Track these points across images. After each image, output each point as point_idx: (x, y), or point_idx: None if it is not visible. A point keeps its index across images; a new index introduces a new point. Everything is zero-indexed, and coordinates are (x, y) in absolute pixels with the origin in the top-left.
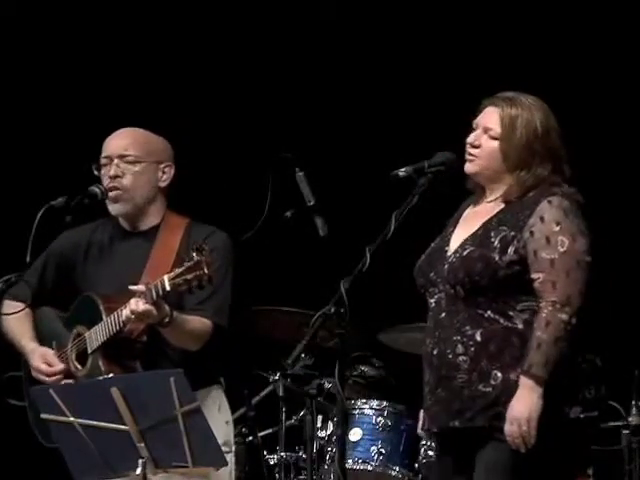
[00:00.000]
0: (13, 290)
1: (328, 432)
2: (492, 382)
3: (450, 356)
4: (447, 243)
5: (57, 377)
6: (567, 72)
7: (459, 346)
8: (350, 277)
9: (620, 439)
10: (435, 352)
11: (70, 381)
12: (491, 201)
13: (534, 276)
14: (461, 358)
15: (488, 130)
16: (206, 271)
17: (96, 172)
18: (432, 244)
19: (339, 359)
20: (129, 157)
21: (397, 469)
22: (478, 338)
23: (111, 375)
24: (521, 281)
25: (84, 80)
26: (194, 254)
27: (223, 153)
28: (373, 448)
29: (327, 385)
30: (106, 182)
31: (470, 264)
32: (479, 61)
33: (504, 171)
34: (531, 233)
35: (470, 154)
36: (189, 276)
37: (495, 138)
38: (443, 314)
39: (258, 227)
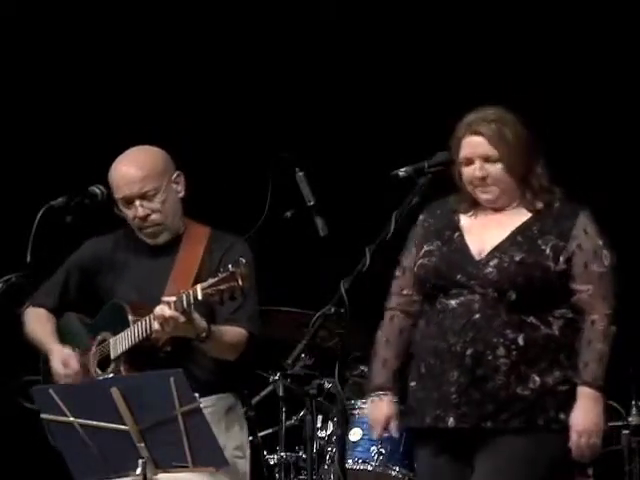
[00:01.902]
0: (36, 298)
1: (328, 432)
2: (530, 386)
3: (490, 357)
4: (465, 248)
5: (72, 379)
6: (563, 73)
7: (501, 348)
8: (350, 277)
9: (620, 439)
10: (469, 352)
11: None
12: (505, 209)
13: (582, 287)
14: (502, 360)
15: (487, 158)
16: (240, 283)
17: (116, 210)
18: (432, 248)
19: (339, 359)
20: (149, 193)
21: (397, 469)
22: (521, 342)
23: (111, 375)
24: (563, 290)
25: (84, 80)
26: (229, 265)
27: (223, 153)
28: (373, 448)
29: (327, 385)
30: (136, 223)
31: (529, 271)
32: (479, 61)
33: (518, 184)
34: (579, 245)
35: (483, 186)
36: (222, 287)
37: (497, 161)
38: (477, 315)
39: (258, 227)
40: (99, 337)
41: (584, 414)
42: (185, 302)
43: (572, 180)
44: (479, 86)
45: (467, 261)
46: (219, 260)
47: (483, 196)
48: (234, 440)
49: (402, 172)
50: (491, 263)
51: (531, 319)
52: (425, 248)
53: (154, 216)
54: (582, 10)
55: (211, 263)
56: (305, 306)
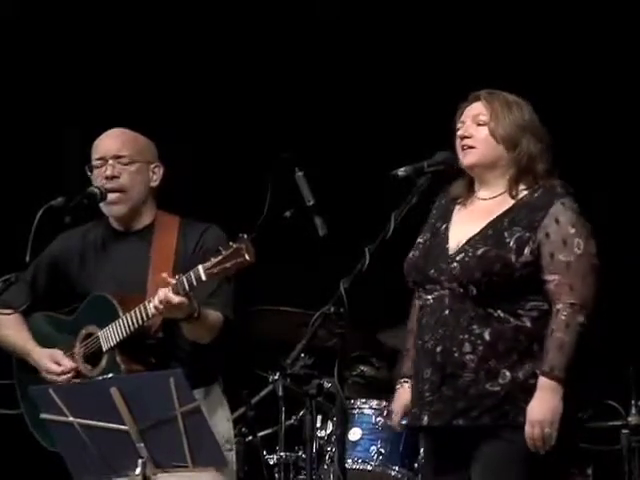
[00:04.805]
0: (3, 297)
1: (328, 432)
2: (500, 381)
3: (456, 354)
4: (445, 240)
5: (68, 376)
6: (562, 74)
7: (466, 345)
8: (350, 277)
9: (619, 439)
10: (439, 349)
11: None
12: (492, 197)
13: (549, 278)
14: (468, 357)
15: (475, 118)
16: (248, 258)
17: (89, 173)
18: (420, 240)
19: (338, 359)
20: (124, 158)
21: (397, 469)
22: (487, 337)
23: (110, 375)
24: (532, 281)
25: (85, 81)
26: (231, 242)
27: (223, 154)
28: (373, 448)
29: (326, 385)
30: (101, 183)
31: (487, 264)
32: (478, 62)
33: (501, 156)
34: (546, 235)
35: (465, 146)
36: (228, 264)
37: (485, 123)
38: (446, 312)
39: (258, 227)
40: (83, 332)
41: (539, 404)
42: (187, 285)
43: (571, 178)
44: (479, 86)
45: (441, 255)
46: (195, 244)
47: (464, 159)
48: (223, 433)
49: (401, 172)
50: (457, 258)
51: (499, 313)
52: (418, 240)
53: (121, 179)
54: (582, 11)
55: (186, 249)
56: (304, 306)
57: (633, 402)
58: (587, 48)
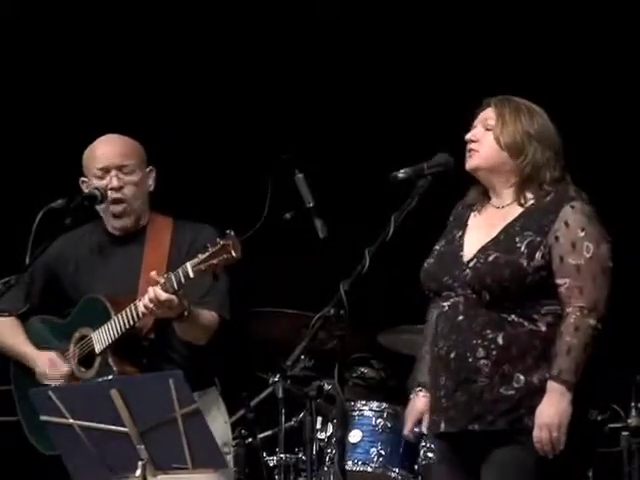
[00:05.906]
0: (2, 300)
1: (328, 434)
2: (515, 385)
3: (470, 359)
4: (460, 248)
5: (62, 381)
6: (566, 74)
7: (480, 349)
8: (350, 279)
9: (619, 441)
10: (452, 355)
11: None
12: (503, 206)
13: (560, 281)
14: (482, 362)
15: (484, 122)
16: (234, 254)
17: (84, 186)
18: (437, 247)
19: (339, 361)
20: (127, 168)
21: (397, 471)
22: (500, 341)
23: (110, 377)
24: (546, 286)
25: (86, 82)
26: (218, 239)
27: (223, 155)
28: (373, 450)
29: (327, 387)
30: (108, 195)
31: (498, 270)
32: (478, 62)
33: (505, 162)
34: (556, 238)
35: (470, 149)
36: (215, 261)
37: (491, 128)
38: (460, 317)
39: (257, 229)
40: (76, 335)
41: (547, 407)
42: (175, 282)
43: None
44: (479, 88)
45: (456, 263)
46: (189, 245)
47: (468, 162)
48: (221, 437)
49: (401, 174)
50: (470, 264)
51: (512, 317)
52: (434, 247)
53: (127, 189)
54: (582, 13)
55: (179, 250)
56: (305, 308)
57: (633, 404)
58: (584, 48)
